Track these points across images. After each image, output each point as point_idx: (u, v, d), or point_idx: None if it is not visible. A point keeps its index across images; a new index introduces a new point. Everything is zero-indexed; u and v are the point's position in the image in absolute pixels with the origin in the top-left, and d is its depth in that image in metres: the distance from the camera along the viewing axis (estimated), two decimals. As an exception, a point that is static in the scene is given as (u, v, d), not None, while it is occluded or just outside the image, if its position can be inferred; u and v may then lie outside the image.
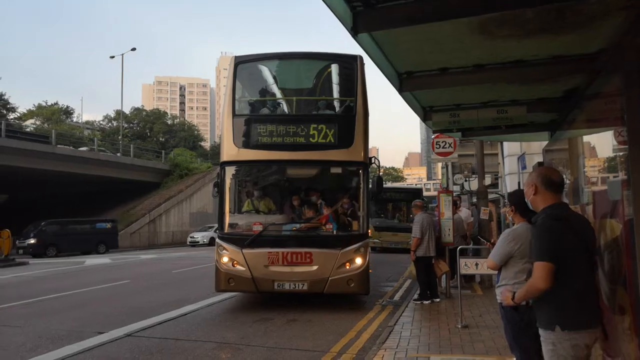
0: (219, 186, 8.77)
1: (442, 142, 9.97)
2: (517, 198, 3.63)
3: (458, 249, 7.26)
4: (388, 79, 4.12)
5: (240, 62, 9.09)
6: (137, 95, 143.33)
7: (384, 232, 21.75)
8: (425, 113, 5.67)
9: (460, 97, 5.20)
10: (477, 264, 6.59)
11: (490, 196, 20.12)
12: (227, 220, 8.88)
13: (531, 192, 3.01)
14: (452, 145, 9.94)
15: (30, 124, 50.37)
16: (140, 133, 62.71)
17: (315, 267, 8.23)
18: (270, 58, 9.70)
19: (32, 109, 56.88)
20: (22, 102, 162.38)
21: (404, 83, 4.33)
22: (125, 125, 60.07)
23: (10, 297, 10.53)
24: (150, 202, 35.78)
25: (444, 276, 9.55)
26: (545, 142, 7.13)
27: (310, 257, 8.24)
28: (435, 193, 10.38)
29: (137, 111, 66.82)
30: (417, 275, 9.07)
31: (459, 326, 6.74)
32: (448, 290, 9.46)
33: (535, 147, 12.51)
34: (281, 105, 9.91)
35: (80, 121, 64.92)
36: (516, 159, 13.86)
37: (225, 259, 8.46)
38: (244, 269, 8.30)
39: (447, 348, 5.84)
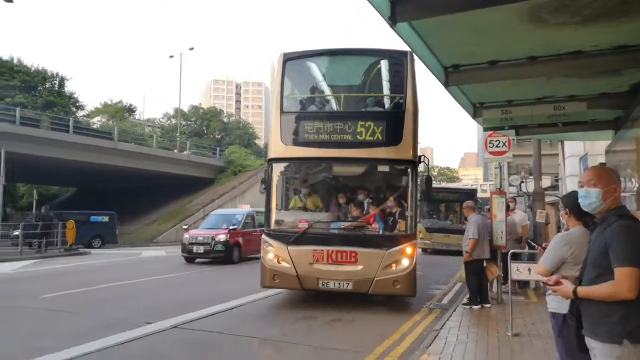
0: (266, 183, 8.82)
1: (496, 140, 9.52)
2: (571, 200, 3.36)
3: (510, 252, 6.90)
4: (432, 72, 3.94)
5: (289, 59, 9.06)
6: (195, 93, 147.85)
7: (435, 234, 21.22)
8: (475, 109, 5.42)
9: (512, 92, 4.92)
10: (529, 269, 6.22)
11: (550, 199, 19.17)
12: (274, 216, 8.89)
13: (614, 194, 2.70)
14: (506, 144, 9.47)
15: (96, 121, 53.28)
16: (197, 130, 64.71)
17: (360, 267, 8.09)
18: (318, 54, 9.62)
19: (98, 106, 60.12)
20: (90, 100, 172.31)
21: (450, 77, 4.13)
22: (183, 123, 62.25)
23: (71, 284, 11.10)
24: (205, 197, 36.77)
25: (495, 281, 9.15)
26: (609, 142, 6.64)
27: (356, 256, 8.10)
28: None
29: (195, 109, 68.97)
30: (467, 279, 8.72)
31: (509, 334, 6.40)
32: (499, 295, 9.05)
33: (599, 148, 11.72)
34: (329, 102, 9.83)
35: (142, 118, 67.91)
36: (578, 160, 13.07)
37: (270, 255, 8.47)
38: (288, 265, 8.28)
39: (495, 356, 5.55)
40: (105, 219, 27.05)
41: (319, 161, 9.04)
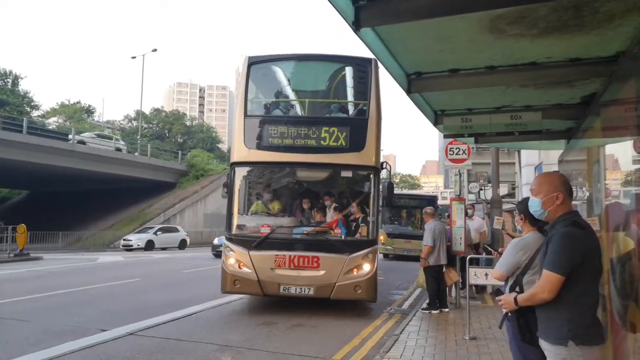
0: (228, 187, 8.73)
1: (456, 148, 9.76)
2: (525, 206, 3.46)
3: (468, 258, 7.06)
4: (395, 79, 3.99)
5: (254, 63, 9.03)
6: (158, 96, 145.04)
7: (396, 239, 21.50)
8: (437, 117, 5.52)
9: (472, 101, 5.05)
10: (486, 274, 6.38)
11: (507, 206, 19.78)
12: (235, 221, 8.79)
13: (556, 201, 2.77)
14: (466, 152, 9.72)
15: (52, 122, 51.40)
16: (159, 133, 63.52)
17: (322, 272, 8.09)
18: (283, 59, 9.65)
19: (55, 107, 58.06)
20: (46, 100, 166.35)
21: (413, 84, 4.20)
22: (145, 126, 60.91)
23: (21, 291, 10.60)
24: (166, 201, 36.04)
25: (453, 286, 9.33)
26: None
27: (318, 261, 8.10)
28: (451, 201, 10.14)
29: (157, 112, 67.71)
30: (426, 284, 8.87)
31: (467, 337, 6.54)
32: (458, 300, 9.24)
33: (553, 157, 12.18)
34: (293, 106, 9.83)
35: (101, 120, 65.99)
36: (533, 169, 13.54)
37: (231, 260, 8.37)
38: (250, 271, 8.19)
39: (453, 360, 5.66)
40: None
41: (282, 166, 9.03)
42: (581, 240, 2.62)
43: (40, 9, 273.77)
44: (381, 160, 8.82)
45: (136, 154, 38.87)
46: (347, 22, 2.83)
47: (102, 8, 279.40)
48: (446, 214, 23.85)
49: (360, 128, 8.48)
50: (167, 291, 11.34)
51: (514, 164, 20.65)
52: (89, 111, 60.87)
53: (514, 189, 22.15)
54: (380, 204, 8.78)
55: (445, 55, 3.78)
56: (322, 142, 8.38)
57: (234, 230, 8.69)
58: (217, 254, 20.68)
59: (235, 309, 9.15)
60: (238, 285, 8.33)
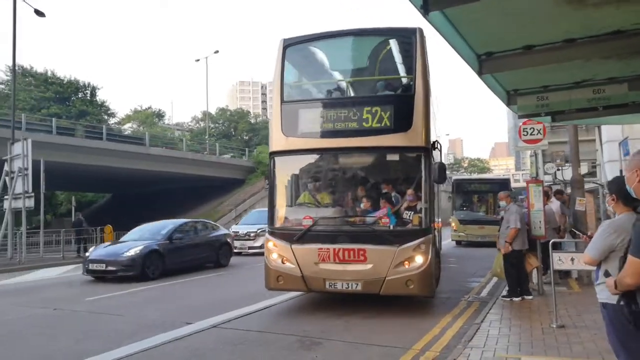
0: (269, 178, 8.39)
1: (530, 128, 9.23)
2: (618, 186, 3.24)
3: (551, 242, 6.71)
4: (466, 61, 3.85)
5: (289, 45, 8.44)
6: (222, 95, 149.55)
7: (469, 226, 20.93)
8: (509, 97, 5.28)
9: (548, 77, 4.78)
10: (572, 259, 6.04)
11: (588, 186, 18.59)
12: (277, 214, 8.33)
13: (636, 179, 2.65)
14: (541, 131, 9.19)
15: (128, 127, 54.66)
16: (226, 132, 65.53)
17: (369, 266, 7.41)
18: (320, 38, 8.81)
19: (129, 113, 61.67)
20: (120, 107, 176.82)
21: (484, 65, 4.03)
22: (211, 125, 63.13)
23: (112, 287, 11.39)
24: (236, 198, 37.24)
25: (535, 272, 8.93)
26: (652, 124, 6.38)
27: (364, 254, 7.43)
28: (524, 184, 9.64)
29: (222, 111, 69.83)
30: (505, 270, 8.50)
31: (554, 326, 6.24)
32: (540, 286, 8.83)
33: (638, 131, 11.33)
34: (332, 88, 9.09)
35: (171, 123, 69.24)
36: (617, 145, 12.61)
37: (274, 255, 7.98)
38: (293, 266, 7.75)
39: (541, 349, 5.42)
40: None
41: (323, 152, 8.38)
42: None
43: (109, 22, 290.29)
44: (433, 139, 8.05)
45: (205, 153, 40.49)
46: (415, 6, 2.77)
47: (163, 15, 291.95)
48: (519, 196, 22.86)
49: (405, 105, 7.70)
50: (242, 284, 11.75)
51: (593, 141, 19.32)
52: (160, 115, 64.05)
53: (594, 167, 20.74)
54: (434, 187, 8.03)
55: (518, 32, 3.61)
56: (364, 124, 7.68)
57: (276, 224, 8.26)
58: (99, 276, 12.71)
59: (307, 302, 9.21)
60: (281, 282, 7.94)
